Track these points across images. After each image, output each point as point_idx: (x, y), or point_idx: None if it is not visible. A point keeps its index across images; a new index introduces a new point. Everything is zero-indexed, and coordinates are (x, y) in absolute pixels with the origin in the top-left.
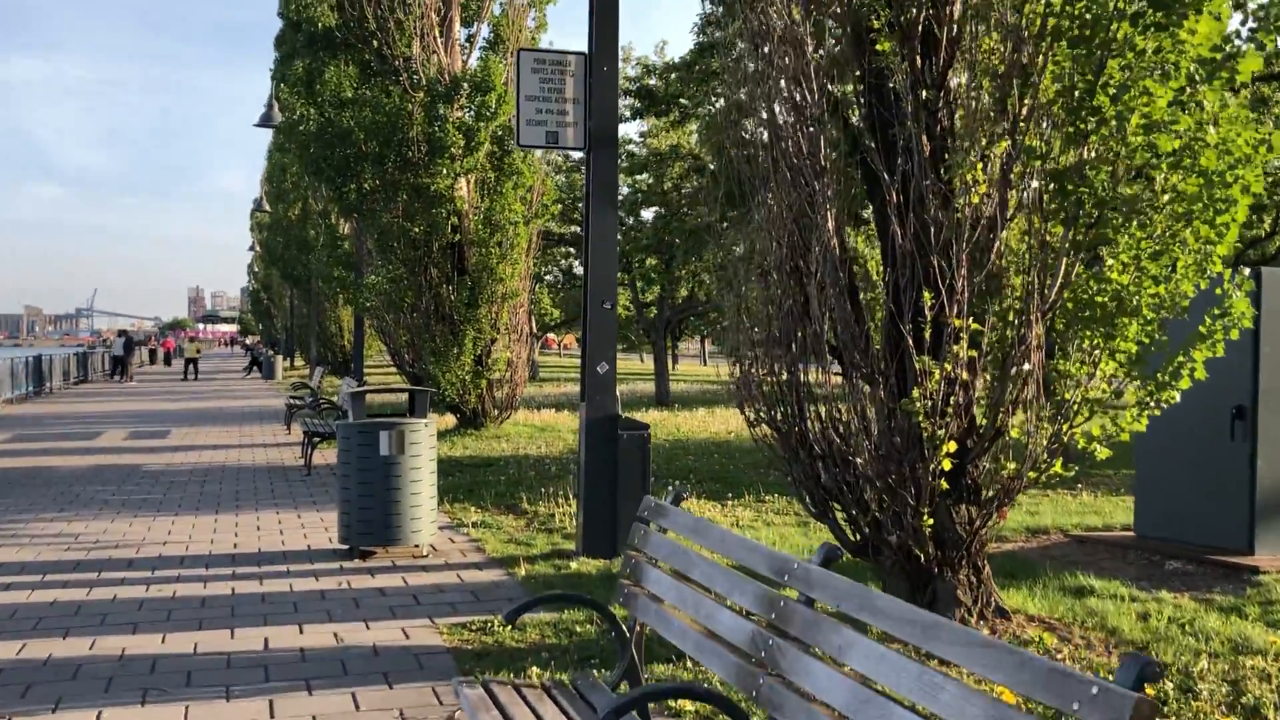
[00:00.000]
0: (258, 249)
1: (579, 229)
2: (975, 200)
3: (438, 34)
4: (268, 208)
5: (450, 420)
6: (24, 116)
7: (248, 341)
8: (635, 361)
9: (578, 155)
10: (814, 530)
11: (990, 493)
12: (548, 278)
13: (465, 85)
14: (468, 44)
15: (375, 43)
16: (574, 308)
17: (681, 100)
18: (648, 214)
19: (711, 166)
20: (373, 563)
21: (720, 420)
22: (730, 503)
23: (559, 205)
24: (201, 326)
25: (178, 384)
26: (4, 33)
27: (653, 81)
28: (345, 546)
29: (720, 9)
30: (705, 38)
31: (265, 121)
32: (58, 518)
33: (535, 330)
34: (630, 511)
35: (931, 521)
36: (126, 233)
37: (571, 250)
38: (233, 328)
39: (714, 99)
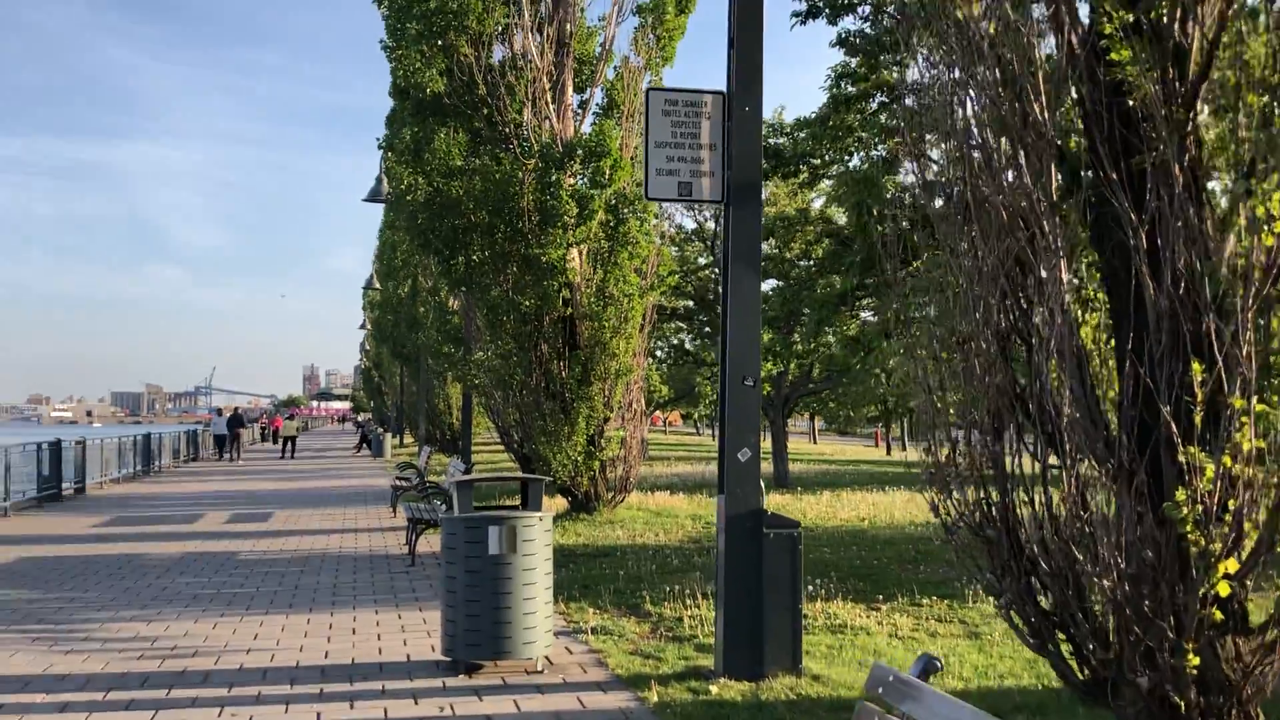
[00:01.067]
0: (369, 326)
1: (691, 302)
2: (1270, 242)
3: (549, 99)
4: (378, 285)
5: (561, 503)
6: (145, 201)
7: (359, 419)
8: None
9: (690, 224)
10: (991, 645)
11: (1268, 621)
12: (657, 353)
13: (579, 151)
14: (580, 110)
15: (485, 109)
16: (682, 384)
17: (812, 159)
18: (766, 285)
19: (843, 227)
20: (480, 679)
21: (848, 505)
22: (881, 606)
23: (675, 276)
24: (315, 404)
25: (285, 462)
26: (128, 120)
27: (779, 140)
28: (449, 659)
29: (854, 60)
30: (839, 91)
31: (374, 196)
32: (138, 616)
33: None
34: (780, 624)
35: (1197, 660)
36: (244, 312)
37: (683, 325)
38: (345, 405)
39: (848, 155)
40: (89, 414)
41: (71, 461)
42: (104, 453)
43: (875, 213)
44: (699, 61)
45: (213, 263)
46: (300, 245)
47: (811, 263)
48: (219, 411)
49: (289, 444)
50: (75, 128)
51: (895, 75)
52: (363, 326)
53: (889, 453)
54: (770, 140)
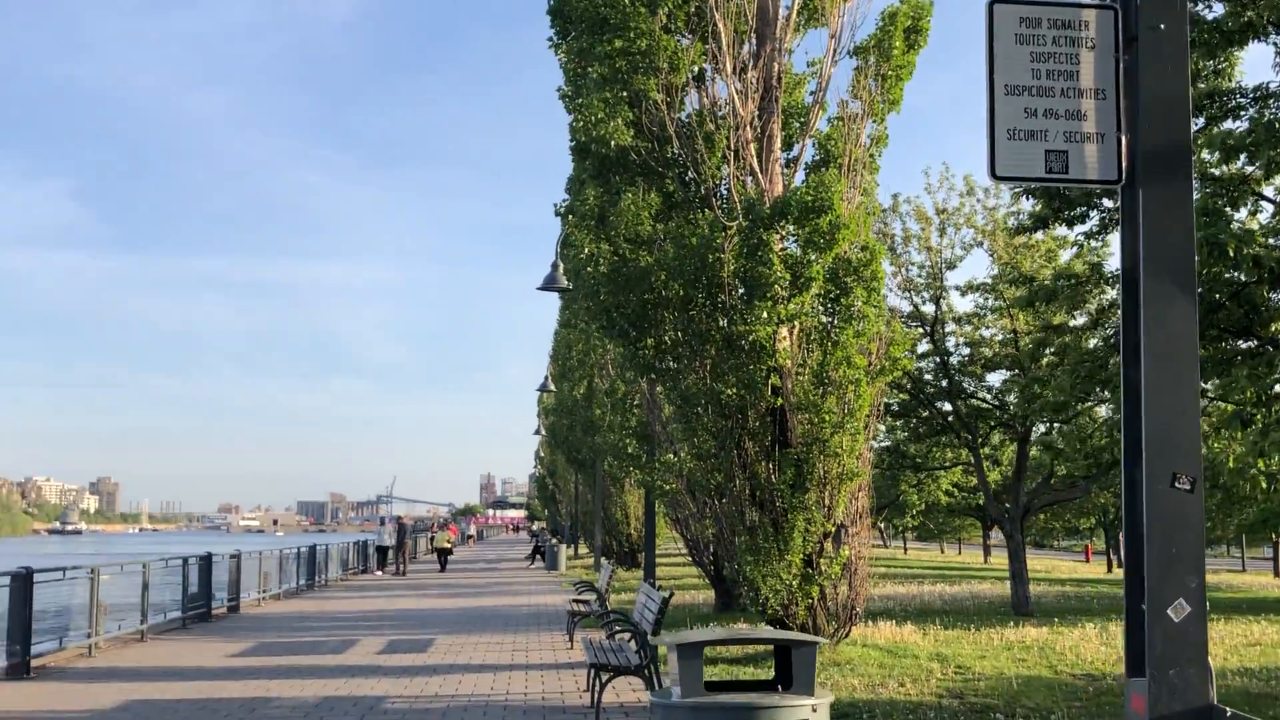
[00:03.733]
0: (543, 432)
1: (906, 395)
2: None
3: (753, 151)
4: (553, 388)
5: (769, 632)
6: (333, 317)
7: (533, 527)
8: (937, 552)
9: (903, 305)
10: None
11: None
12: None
13: (792, 207)
14: (789, 167)
15: (678, 167)
16: (884, 492)
17: (1105, 201)
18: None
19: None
20: None
21: (1113, 641)
22: None
23: (910, 359)
24: (491, 512)
25: (454, 576)
26: (314, 241)
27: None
28: None
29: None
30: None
31: (548, 284)
32: None
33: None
34: None
35: None
36: (424, 422)
37: (896, 423)
38: (521, 513)
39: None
40: (275, 522)
41: (225, 576)
42: (263, 566)
43: (1233, 252)
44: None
45: (395, 375)
46: (478, 356)
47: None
48: (382, 521)
49: (442, 557)
50: (269, 249)
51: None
52: (537, 432)
53: (1111, 569)
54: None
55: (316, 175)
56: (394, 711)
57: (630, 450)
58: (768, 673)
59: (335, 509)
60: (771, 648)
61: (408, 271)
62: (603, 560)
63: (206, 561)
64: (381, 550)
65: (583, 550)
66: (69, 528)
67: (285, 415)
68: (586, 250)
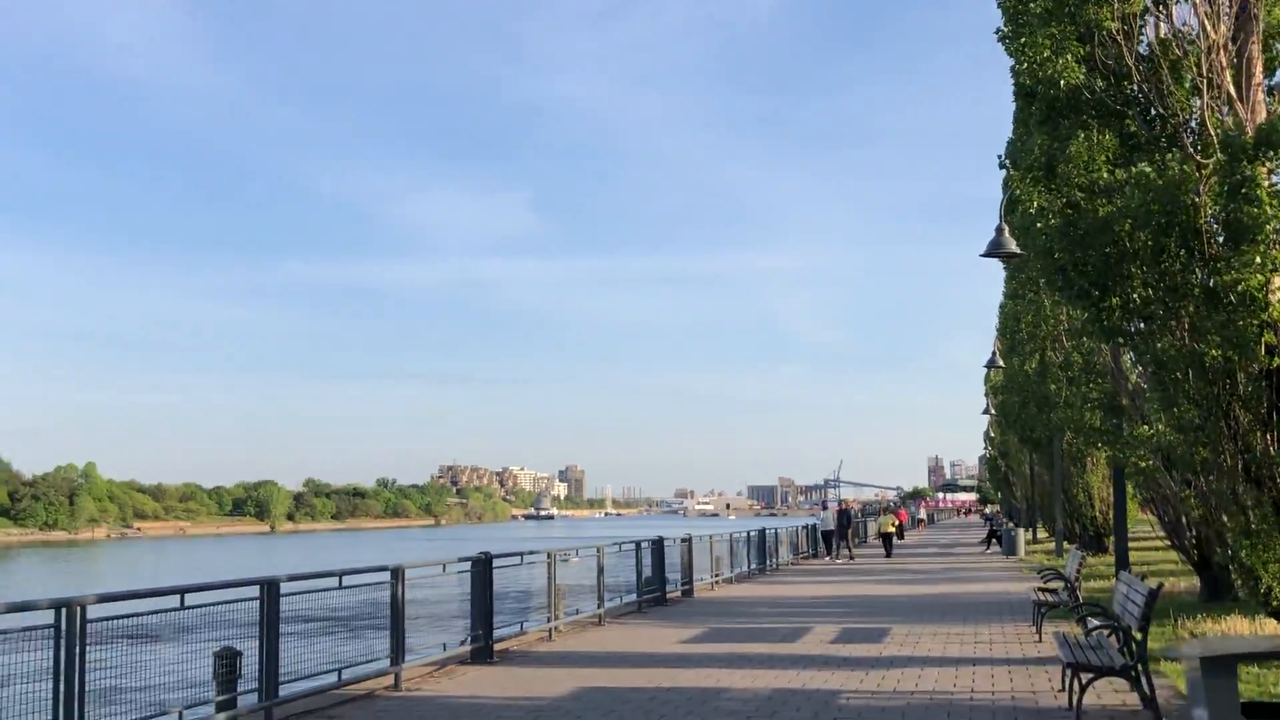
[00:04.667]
0: (992, 411)
1: None
2: None
3: (1229, 79)
4: (1001, 363)
5: (1273, 628)
6: (773, 305)
7: (986, 511)
8: None
9: None
10: None
11: None
12: None
13: None
14: (1271, 95)
15: (1138, 105)
16: None
17: None
18: None
19: None
20: None
21: None
22: None
23: None
24: (941, 495)
25: (903, 562)
26: (753, 233)
27: None
28: None
29: None
30: None
31: (992, 249)
32: None
33: None
34: None
35: None
36: (867, 406)
37: None
38: (971, 496)
39: None
40: (728, 506)
41: (678, 561)
42: (714, 550)
43: None
44: None
45: (834, 359)
46: (917, 337)
47: None
48: (823, 506)
49: (887, 541)
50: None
51: None
52: (985, 412)
53: None
54: None
55: (753, 168)
56: (849, 709)
57: (1094, 425)
58: None
59: (784, 493)
60: None
61: (842, 254)
62: (1067, 546)
63: (659, 546)
64: (826, 535)
65: (1041, 534)
66: (542, 513)
67: (734, 402)
68: (1035, 204)
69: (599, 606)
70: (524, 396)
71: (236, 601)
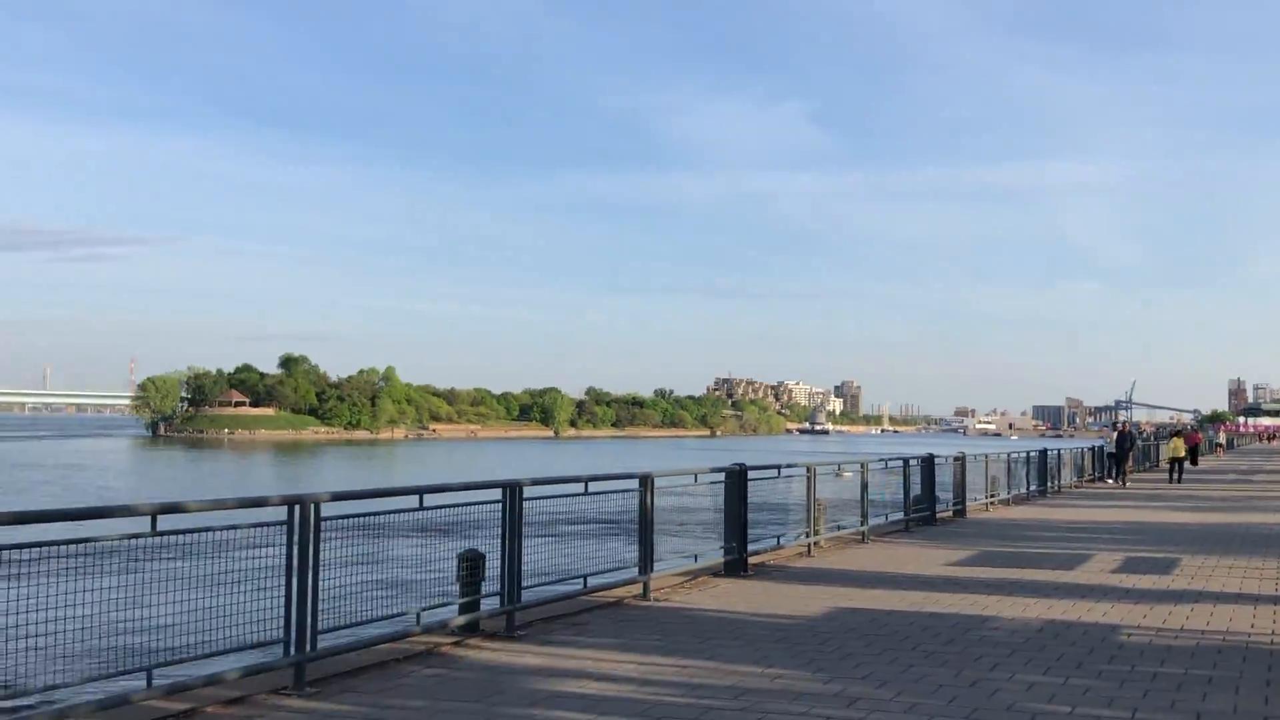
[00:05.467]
0: None
1: None
2: None
3: None
4: None
5: None
6: (1062, 219)
7: None
8: None
9: None
10: None
11: None
12: None
13: None
14: None
15: None
16: None
17: None
18: None
19: None
20: None
21: None
22: None
23: None
24: (1242, 420)
25: (1198, 488)
26: (1045, 142)
27: None
28: None
29: None
30: None
31: None
32: None
33: None
34: None
35: None
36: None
37: None
38: (1276, 421)
39: None
40: (1010, 426)
41: (949, 480)
42: (990, 470)
43: None
44: None
45: (1128, 276)
46: (1219, 255)
47: None
48: (1112, 427)
49: (1176, 466)
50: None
51: None
52: None
53: None
54: None
55: (1044, 72)
56: (1130, 647)
57: None
58: None
59: (1072, 414)
60: None
61: (1139, 166)
62: None
63: (929, 463)
64: (1110, 456)
65: None
66: (817, 428)
67: (1018, 319)
68: None
69: (862, 523)
70: (801, 311)
71: (479, 504)
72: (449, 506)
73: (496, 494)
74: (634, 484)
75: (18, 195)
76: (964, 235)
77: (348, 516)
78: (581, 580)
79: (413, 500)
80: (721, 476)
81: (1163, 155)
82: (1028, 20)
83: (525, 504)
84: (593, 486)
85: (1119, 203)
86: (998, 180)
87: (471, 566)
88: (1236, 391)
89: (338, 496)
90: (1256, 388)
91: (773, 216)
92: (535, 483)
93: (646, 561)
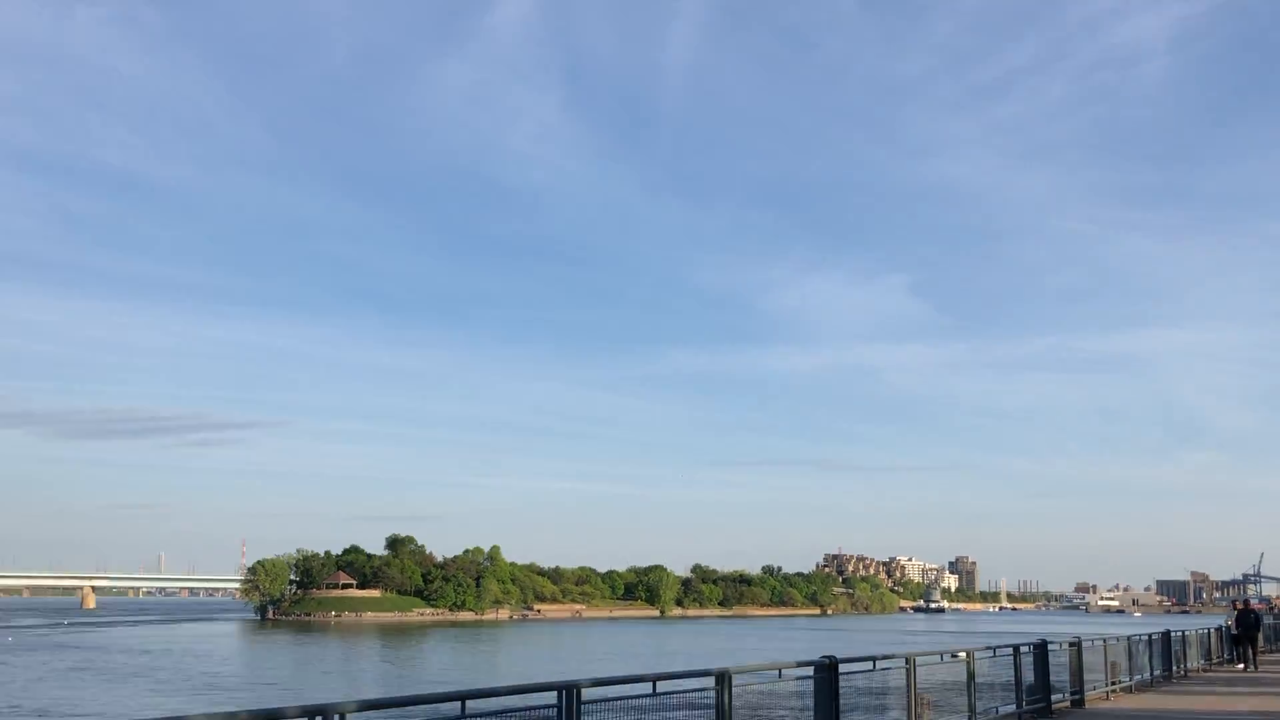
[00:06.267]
0: None
1: None
2: None
3: None
4: None
5: None
6: (1176, 386)
7: None
8: None
9: None
10: None
11: None
12: None
13: None
14: None
15: None
16: None
17: None
18: None
19: None
20: None
21: None
22: None
23: None
24: None
25: None
26: (1153, 309)
27: None
28: None
29: None
30: None
31: None
32: None
33: None
34: None
35: None
36: None
37: None
38: None
39: None
40: (1134, 602)
41: (1065, 666)
42: (1109, 655)
43: None
44: None
45: (1251, 443)
46: None
47: None
48: (1235, 605)
49: (1249, 645)
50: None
51: None
52: None
53: None
54: None
55: (1151, 241)
56: None
57: None
58: None
59: (1198, 588)
60: None
61: (1256, 329)
62: None
63: (1043, 650)
64: (1234, 639)
65: None
66: (932, 605)
67: (1138, 491)
68: None
69: (969, 717)
70: (912, 484)
71: (532, 709)
72: (497, 714)
73: (551, 698)
74: (710, 682)
75: (138, 382)
76: (1078, 404)
77: None
78: None
79: (454, 708)
80: (810, 671)
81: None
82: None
83: (586, 708)
84: (663, 686)
85: (1233, 369)
86: (1109, 349)
87: None
88: None
89: (366, 706)
90: None
91: (880, 388)
92: (595, 683)
93: None
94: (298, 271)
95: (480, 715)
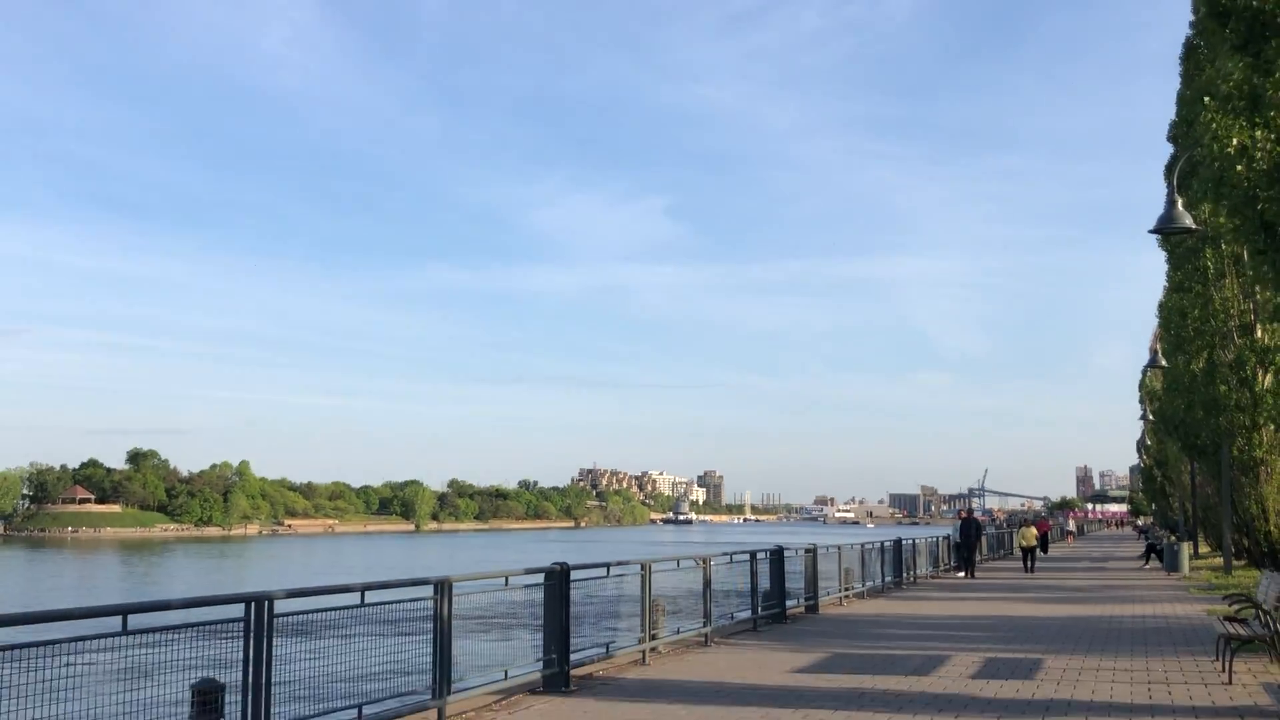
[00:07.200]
0: (1149, 418)
1: None
2: None
3: None
4: (1164, 362)
5: None
6: (911, 311)
7: (1140, 523)
8: None
9: None
10: None
11: None
12: None
13: None
14: None
15: None
16: None
17: None
18: None
19: None
20: None
21: None
22: None
23: None
24: (1090, 506)
25: (1053, 576)
26: (892, 237)
27: None
28: None
29: None
30: None
31: (1165, 224)
32: None
33: None
34: None
35: None
36: (1010, 414)
37: None
38: (1122, 507)
39: None
40: (869, 514)
41: (801, 574)
42: (843, 562)
43: None
44: None
45: (977, 368)
46: (1062, 346)
47: None
48: (957, 514)
49: (1028, 556)
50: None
51: None
52: (1142, 418)
53: None
54: None
55: (889, 171)
56: None
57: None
58: None
59: (927, 502)
60: None
61: (984, 259)
62: (1263, 572)
63: (779, 557)
64: (958, 547)
65: (1203, 549)
66: (681, 518)
67: (873, 408)
68: (1235, 142)
69: (705, 625)
70: (663, 401)
71: (213, 624)
72: (168, 629)
73: (237, 610)
74: (428, 591)
75: None
76: (820, 326)
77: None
78: (355, 710)
79: (114, 623)
80: (540, 579)
81: (1003, 251)
82: (874, 123)
83: (280, 621)
84: (373, 596)
85: (965, 296)
86: (852, 273)
87: (206, 703)
88: (1084, 478)
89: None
90: (1103, 474)
91: (636, 308)
92: (291, 594)
93: (443, 684)
94: (30, 172)
95: (149, 630)
